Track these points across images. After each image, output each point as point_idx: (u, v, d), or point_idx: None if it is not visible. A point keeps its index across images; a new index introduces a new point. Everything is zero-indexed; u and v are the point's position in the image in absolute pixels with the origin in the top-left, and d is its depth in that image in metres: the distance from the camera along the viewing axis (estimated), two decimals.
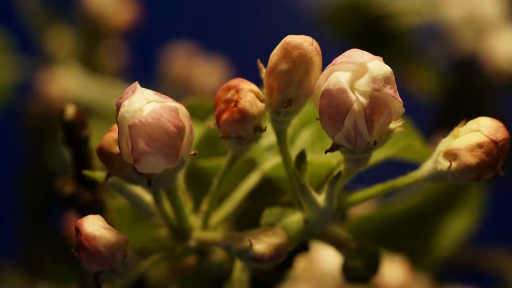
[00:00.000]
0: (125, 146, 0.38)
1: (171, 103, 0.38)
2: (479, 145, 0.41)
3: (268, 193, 0.47)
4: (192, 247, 0.44)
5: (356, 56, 0.39)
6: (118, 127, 0.38)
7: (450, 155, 0.42)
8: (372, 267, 0.45)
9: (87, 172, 0.45)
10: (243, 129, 0.41)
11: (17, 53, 1.04)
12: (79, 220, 0.40)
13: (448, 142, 0.43)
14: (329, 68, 0.39)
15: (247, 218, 0.48)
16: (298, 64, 0.41)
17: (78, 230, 0.39)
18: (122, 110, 0.38)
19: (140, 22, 1.04)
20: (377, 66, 0.38)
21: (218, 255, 0.48)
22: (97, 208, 0.48)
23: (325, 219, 0.43)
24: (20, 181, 1.02)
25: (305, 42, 0.41)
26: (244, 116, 0.41)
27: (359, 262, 0.45)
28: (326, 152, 0.40)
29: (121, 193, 0.45)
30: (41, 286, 0.89)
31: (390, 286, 0.72)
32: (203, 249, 0.46)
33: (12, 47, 1.04)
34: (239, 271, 0.46)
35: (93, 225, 0.39)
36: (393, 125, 0.40)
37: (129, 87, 0.38)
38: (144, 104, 0.37)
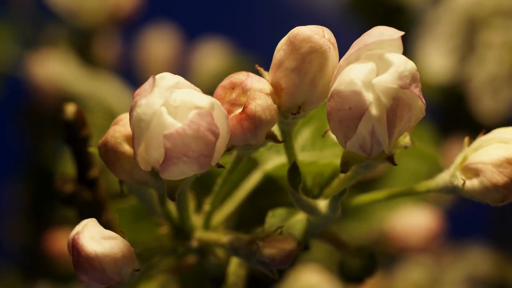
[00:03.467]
0: (143, 151, 0.34)
1: (210, 100, 0.33)
2: (509, 161, 0.36)
3: (270, 192, 0.47)
4: (193, 247, 0.43)
5: (389, 33, 0.33)
6: (133, 129, 0.34)
7: (471, 170, 0.37)
8: (369, 268, 0.43)
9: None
10: (254, 138, 0.36)
11: (14, 46, 1.03)
12: (75, 236, 0.34)
13: (465, 154, 0.38)
14: (354, 54, 0.33)
15: (249, 218, 0.48)
16: (309, 61, 0.35)
17: (75, 249, 0.34)
18: (138, 110, 0.33)
19: (137, 11, 1.02)
20: (403, 60, 0.33)
21: (219, 255, 0.47)
22: (97, 207, 0.48)
23: (327, 223, 0.41)
24: (19, 179, 1.02)
25: (315, 34, 0.35)
26: (255, 124, 0.35)
27: (356, 262, 0.43)
28: (341, 171, 0.36)
29: (130, 190, 0.43)
30: (41, 286, 0.89)
31: (411, 235, 0.72)
32: (204, 249, 0.46)
33: (9, 39, 1.03)
34: (235, 265, 0.45)
35: (92, 240, 0.34)
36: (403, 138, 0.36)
37: (146, 82, 0.34)
38: (162, 104, 0.33)
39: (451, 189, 0.38)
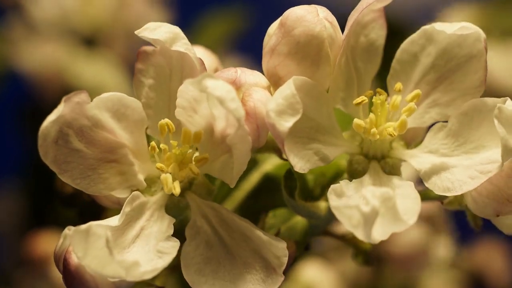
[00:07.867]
0: None
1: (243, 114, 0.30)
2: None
3: (269, 192, 0.47)
4: None
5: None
6: None
7: None
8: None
9: None
10: (256, 139, 0.32)
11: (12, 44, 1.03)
12: (66, 255, 0.32)
13: None
14: (356, 20, 0.31)
15: (248, 218, 0.48)
16: (305, 43, 0.32)
17: (67, 269, 0.31)
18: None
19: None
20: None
21: None
22: (97, 208, 0.47)
23: (327, 224, 0.41)
24: (19, 179, 1.02)
25: (308, 13, 0.32)
26: (257, 124, 0.31)
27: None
28: None
29: None
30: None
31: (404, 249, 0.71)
32: None
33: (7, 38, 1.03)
34: None
35: None
36: None
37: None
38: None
39: (452, 200, 0.37)
